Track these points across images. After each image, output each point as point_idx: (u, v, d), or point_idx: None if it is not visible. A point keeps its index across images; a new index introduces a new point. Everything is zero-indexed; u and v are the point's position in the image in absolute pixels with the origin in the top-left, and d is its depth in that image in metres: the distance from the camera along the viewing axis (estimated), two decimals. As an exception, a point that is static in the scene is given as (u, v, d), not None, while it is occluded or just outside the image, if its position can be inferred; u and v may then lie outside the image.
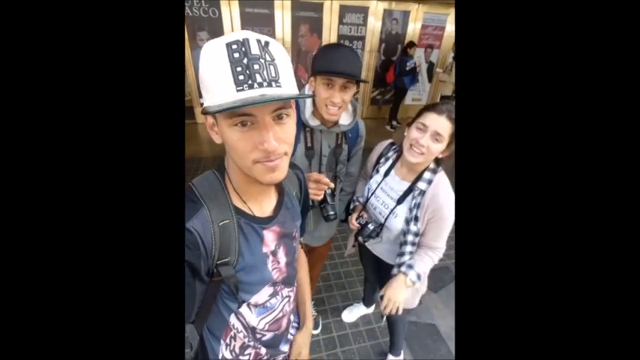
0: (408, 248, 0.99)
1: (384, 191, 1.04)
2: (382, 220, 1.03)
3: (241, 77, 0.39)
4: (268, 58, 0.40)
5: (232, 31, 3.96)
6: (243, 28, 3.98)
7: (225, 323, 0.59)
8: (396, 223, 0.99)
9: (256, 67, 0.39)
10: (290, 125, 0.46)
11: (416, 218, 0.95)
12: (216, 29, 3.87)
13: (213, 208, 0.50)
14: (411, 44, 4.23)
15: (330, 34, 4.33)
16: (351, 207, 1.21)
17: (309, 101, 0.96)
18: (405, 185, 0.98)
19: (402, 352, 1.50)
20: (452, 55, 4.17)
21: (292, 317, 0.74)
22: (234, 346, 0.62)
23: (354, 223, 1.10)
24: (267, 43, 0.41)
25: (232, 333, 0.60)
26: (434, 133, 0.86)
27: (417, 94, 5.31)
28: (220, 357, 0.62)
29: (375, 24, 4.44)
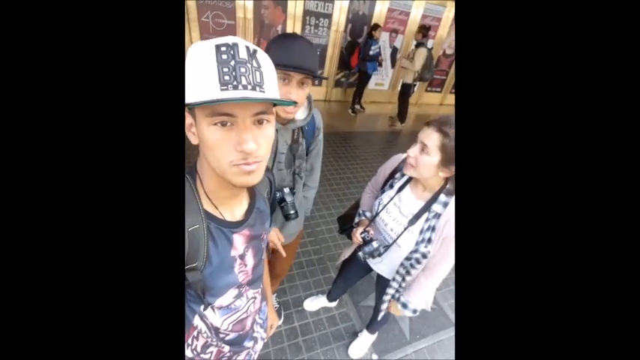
0: (413, 271, 1.00)
1: (397, 207, 1.00)
2: (393, 237, 1.00)
3: (227, 78, 0.39)
4: (255, 65, 0.41)
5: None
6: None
7: (188, 324, 0.60)
8: (411, 241, 0.96)
9: (242, 70, 0.40)
10: (269, 131, 0.47)
11: (429, 240, 0.92)
12: None
13: None
14: (376, 26, 4.18)
15: (295, 8, 4.08)
16: (356, 220, 1.18)
17: None
18: (420, 204, 0.95)
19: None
20: (414, 42, 4.19)
21: (257, 316, 0.75)
22: (195, 345, 0.63)
23: (357, 237, 1.06)
24: (255, 51, 0.42)
25: (195, 333, 0.61)
26: (421, 144, 0.86)
27: (380, 79, 5.35)
28: None
29: (342, 1, 4.28)
